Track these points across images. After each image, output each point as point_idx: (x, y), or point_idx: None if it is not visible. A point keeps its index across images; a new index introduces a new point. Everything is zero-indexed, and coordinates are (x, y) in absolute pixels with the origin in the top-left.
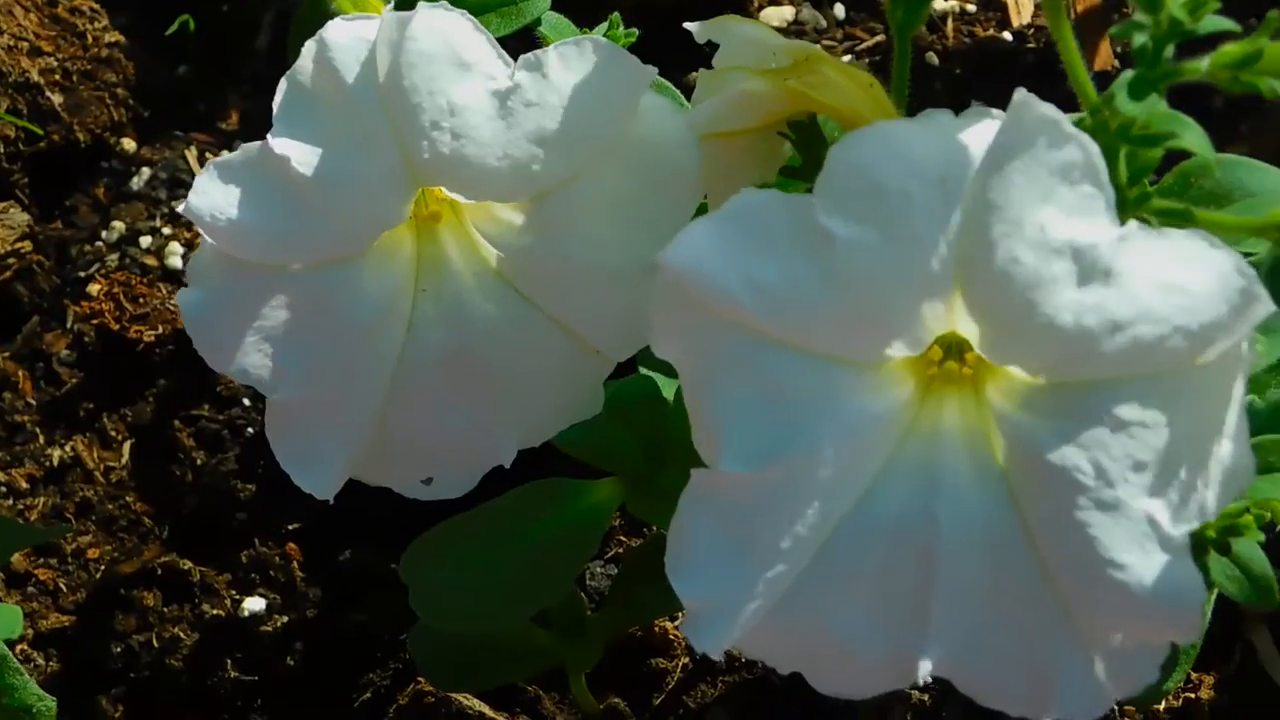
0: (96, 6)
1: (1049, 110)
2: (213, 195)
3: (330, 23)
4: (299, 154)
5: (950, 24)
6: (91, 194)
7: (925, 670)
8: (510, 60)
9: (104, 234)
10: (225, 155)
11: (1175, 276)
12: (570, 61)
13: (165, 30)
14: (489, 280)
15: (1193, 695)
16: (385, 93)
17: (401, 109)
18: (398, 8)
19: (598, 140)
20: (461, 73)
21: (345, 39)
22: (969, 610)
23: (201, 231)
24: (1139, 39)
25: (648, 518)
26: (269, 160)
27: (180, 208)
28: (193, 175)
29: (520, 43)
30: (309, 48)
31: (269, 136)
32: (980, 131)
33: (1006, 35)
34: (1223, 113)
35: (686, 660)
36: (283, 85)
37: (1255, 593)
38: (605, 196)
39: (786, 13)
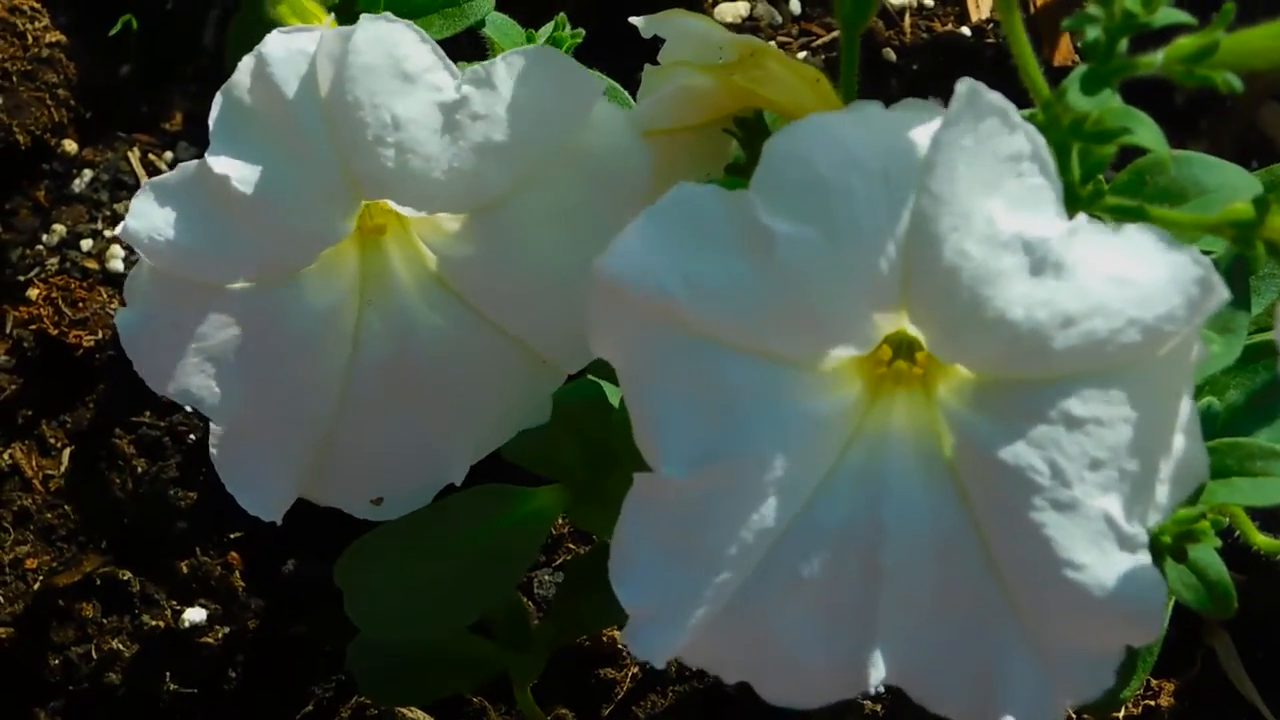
0: (37, 6)
1: (996, 99)
2: (151, 217)
3: (269, 36)
4: (239, 172)
5: (908, 19)
6: (31, 196)
7: (875, 679)
8: (457, 71)
9: (44, 237)
10: (161, 176)
11: (1128, 269)
12: (519, 72)
13: (107, 30)
14: (436, 292)
15: (1153, 703)
16: (328, 108)
17: (344, 124)
18: (339, 12)
19: (547, 151)
20: (406, 85)
21: (284, 52)
22: (918, 617)
23: (140, 254)
24: (1091, 32)
25: (590, 526)
26: (208, 180)
27: (119, 230)
28: (135, 177)
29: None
30: (247, 63)
31: (206, 155)
32: (924, 122)
33: (965, 30)
34: (1183, 109)
35: (636, 670)
36: (219, 101)
37: (1211, 601)
38: (554, 206)
39: (741, 8)
